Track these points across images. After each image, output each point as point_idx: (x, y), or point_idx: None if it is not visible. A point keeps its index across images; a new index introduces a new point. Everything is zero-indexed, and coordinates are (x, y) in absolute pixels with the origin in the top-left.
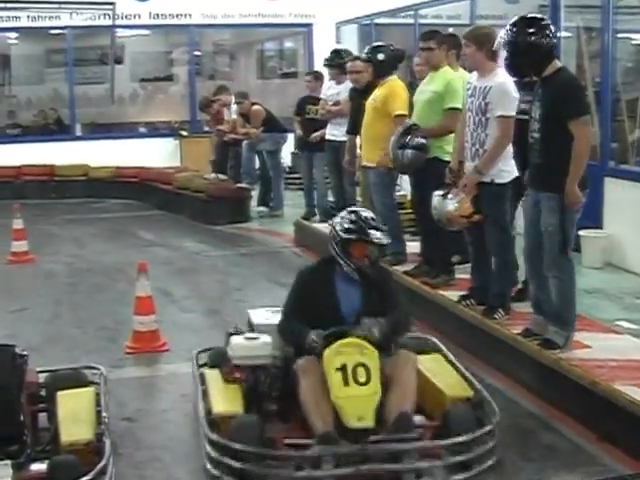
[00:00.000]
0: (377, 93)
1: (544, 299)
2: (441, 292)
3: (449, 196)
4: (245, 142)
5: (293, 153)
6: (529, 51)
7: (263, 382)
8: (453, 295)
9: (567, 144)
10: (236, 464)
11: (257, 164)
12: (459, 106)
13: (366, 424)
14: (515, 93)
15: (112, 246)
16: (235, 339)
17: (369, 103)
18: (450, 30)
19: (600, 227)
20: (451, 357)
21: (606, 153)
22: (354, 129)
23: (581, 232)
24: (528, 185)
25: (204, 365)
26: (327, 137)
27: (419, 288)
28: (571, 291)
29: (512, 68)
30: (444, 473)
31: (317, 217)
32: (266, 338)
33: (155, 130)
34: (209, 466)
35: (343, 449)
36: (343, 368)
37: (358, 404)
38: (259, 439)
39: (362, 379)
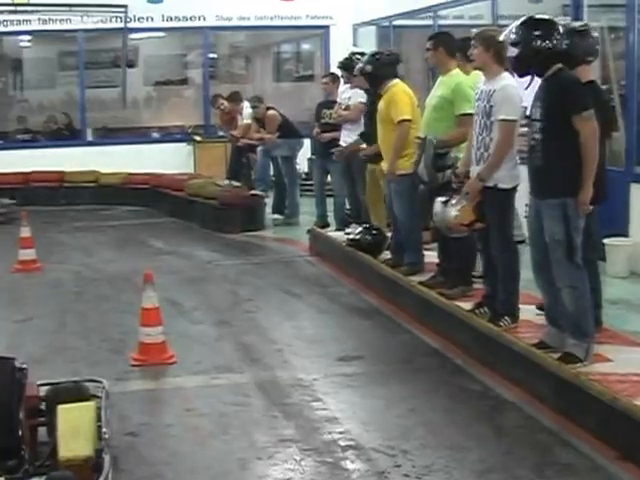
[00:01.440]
0: (381, 104)
1: (558, 311)
2: (456, 303)
3: (451, 202)
4: (260, 148)
5: (310, 159)
6: (534, 52)
7: None
8: (469, 306)
9: (570, 144)
10: None
11: (272, 170)
12: (470, 111)
13: None
14: (519, 98)
15: (121, 254)
16: None
17: (378, 116)
18: (473, 31)
19: (626, 235)
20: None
21: (631, 158)
22: (368, 139)
23: (606, 240)
24: (529, 193)
25: None
26: (339, 143)
27: (434, 298)
28: (586, 300)
29: (516, 66)
30: None
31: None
32: None
33: (168, 135)
34: None
35: None
36: None
37: None
38: None
39: None
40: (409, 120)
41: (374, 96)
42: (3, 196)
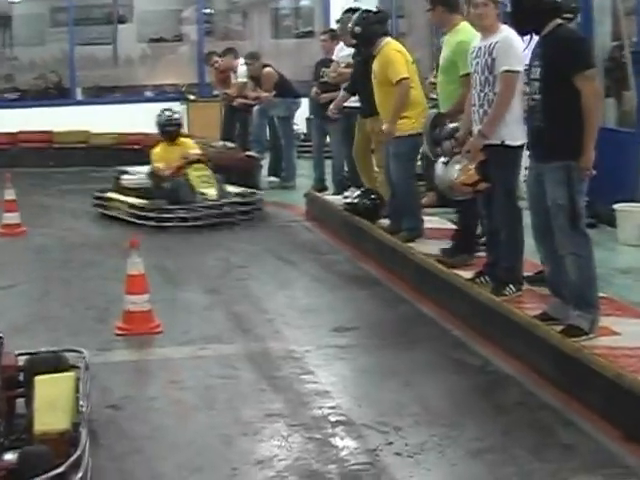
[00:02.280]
0: (375, 66)
1: (561, 280)
2: (456, 271)
3: (454, 164)
4: (256, 108)
5: (308, 120)
6: (532, 6)
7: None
8: (469, 275)
9: (571, 104)
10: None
11: (268, 131)
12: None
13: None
14: (521, 48)
15: (109, 219)
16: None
17: (373, 78)
18: None
19: (637, 200)
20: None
21: None
22: (352, 88)
23: (616, 206)
24: (529, 157)
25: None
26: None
27: (433, 267)
28: (590, 268)
29: (514, 21)
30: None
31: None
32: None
33: (162, 94)
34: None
35: (208, 204)
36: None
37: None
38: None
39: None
40: (407, 78)
41: (365, 55)
42: None
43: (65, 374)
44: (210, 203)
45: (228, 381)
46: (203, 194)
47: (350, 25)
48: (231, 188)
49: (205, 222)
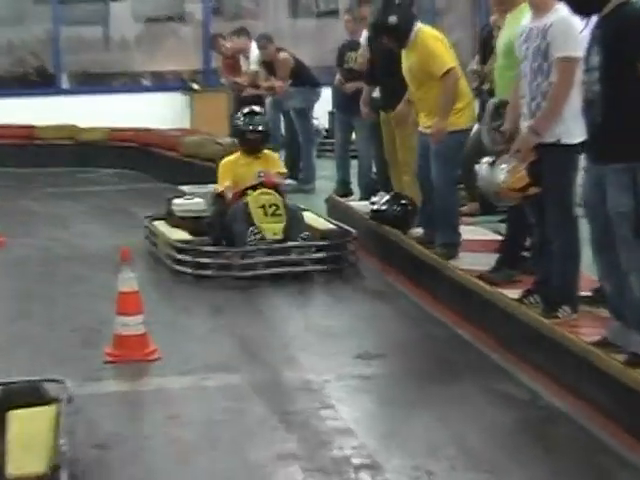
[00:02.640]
0: (410, 60)
1: (624, 300)
2: (500, 289)
3: (501, 165)
4: (268, 99)
5: (331, 113)
6: None
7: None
8: (516, 294)
9: (637, 96)
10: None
11: (283, 127)
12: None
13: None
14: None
15: (101, 227)
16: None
17: (405, 73)
18: None
19: None
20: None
21: None
22: (372, 78)
23: None
24: (587, 157)
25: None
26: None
27: (472, 284)
28: None
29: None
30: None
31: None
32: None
33: (161, 83)
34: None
35: (270, 246)
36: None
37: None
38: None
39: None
40: (454, 67)
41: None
42: None
43: (44, 408)
44: (270, 246)
45: (234, 416)
46: (261, 231)
47: (376, 13)
48: (320, 220)
49: (258, 272)
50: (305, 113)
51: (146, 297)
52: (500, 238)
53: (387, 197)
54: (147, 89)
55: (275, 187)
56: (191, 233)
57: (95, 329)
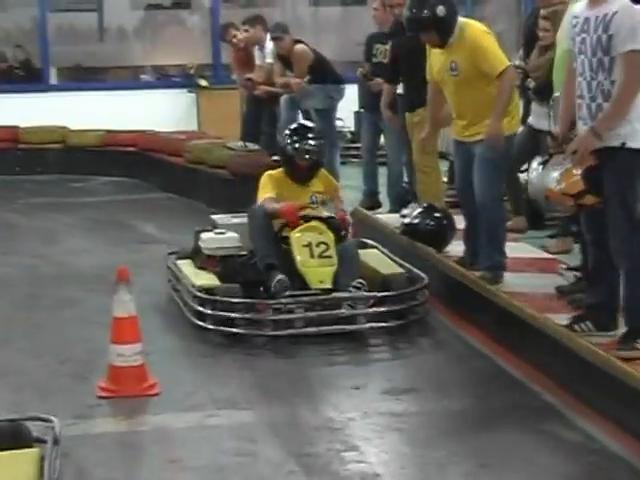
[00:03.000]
0: (449, 61)
1: None
2: (547, 314)
3: (553, 166)
4: (284, 97)
5: (357, 113)
6: None
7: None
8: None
9: None
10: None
11: None
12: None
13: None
14: None
15: (94, 243)
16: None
17: (438, 74)
18: None
19: None
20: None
21: None
22: (394, 77)
23: None
24: None
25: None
26: (398, 91)
27: (517, 309)
28: None
29: None
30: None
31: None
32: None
33: (164, 78)
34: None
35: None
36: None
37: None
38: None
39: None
40: (509, 65)
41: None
42: None
43: (26, 451)
44: (313, 298)
45: (245, 460)
46: (303, 275)
47: (416, 3)
48: (384, 260)
49: (297, 331)
50: (327, 114)
51: (145, 323)
52: (547, 256)
53: (419, 209)
54: (148, 86)
55: (328, 221)
56: (221, 277)
57: (86, 360)
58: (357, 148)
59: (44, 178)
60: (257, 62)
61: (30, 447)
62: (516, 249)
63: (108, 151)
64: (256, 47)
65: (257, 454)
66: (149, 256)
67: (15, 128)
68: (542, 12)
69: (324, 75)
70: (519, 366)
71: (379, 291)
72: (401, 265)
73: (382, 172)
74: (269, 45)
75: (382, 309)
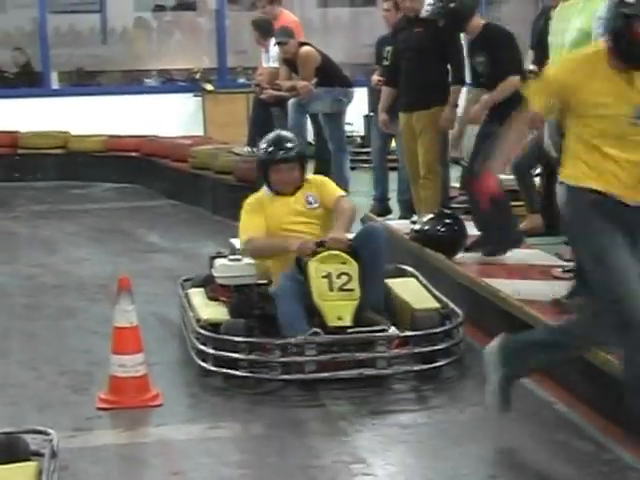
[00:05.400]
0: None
1: None
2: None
3: None
4: (291, 101)
5: (367, 117)
6: None
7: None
8: None
9: None
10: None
11: (310, 134)
12: None
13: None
14: None
15: (96, 252)
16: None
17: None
18: None
19: None
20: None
21: None
22: (395, 79)
23: None
24: None
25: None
26: None
27: (529, 317)
28: None
29: None
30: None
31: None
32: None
33: (168, 82)
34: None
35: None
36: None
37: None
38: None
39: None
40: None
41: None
42: None
43: (23, 464)
44: (327, 339)
45: (249, 472)
46: (321, 314)
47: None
48: (417, 292)
49: (309, 377)
50: (336, 118)
51: (147, 333)
52: (565, 263)
53: (430, 215)
54: (152, 90)
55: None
56: (234, 309)
57: (87, 371)
58: (367, 153)
59: (44, 184)
60: (263, 65)
61: (27, 460)
62: (530, 256)
63: (110, 157)
64: (262, 50)
65: (261, 466)
66: (152, 265)
67: (14, 133)
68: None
69: (332, 78)
70: (530, 374)
71: (409, 329)
72: (438, 298)
73: (392, 178)
74: (273, 49)
75: (405, 351)
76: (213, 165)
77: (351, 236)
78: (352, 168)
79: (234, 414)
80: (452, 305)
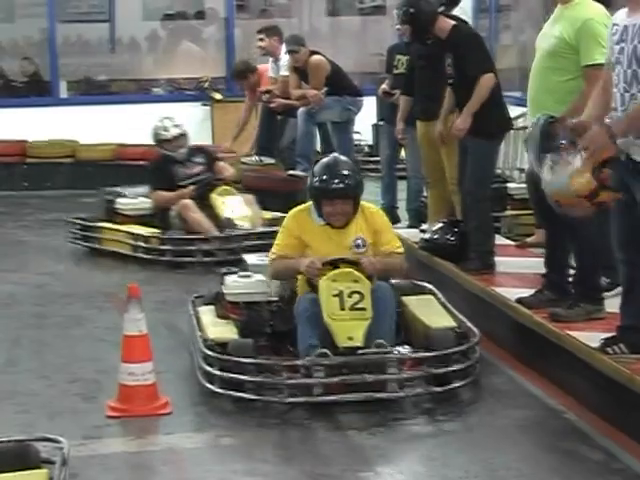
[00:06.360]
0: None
1: None
2: (572, 332)
3: (565, 167)
4: (301, 110)
5: (376, 126)
6: None
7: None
8: (591, 337)
9: None
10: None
11: (319, 142)
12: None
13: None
14: None
15: (105, 259)
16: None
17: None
18: None
19: None
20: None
21: None
22: (411, 87)
23: None
24: None
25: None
26: None
27: (537, 325)
28: None
29: None
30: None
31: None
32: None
33: (177, 91)
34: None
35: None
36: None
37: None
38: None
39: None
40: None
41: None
42: None
43: (34, 472)
44: (336, 360)
45: (257, 479)
46: (332, 333)
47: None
48: (434, 310)
49: (316, 399)
50: (345, 126)
51: (156, 341)
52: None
53: (439, 224)
54: (160, 99)
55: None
56: (245, 328)
57: (96, 379)
58: (375, 162)
59: (53, 193)
60: (271, 74)
61: (38, 468)
62: (539, 265)
63: (119, 165)
64: (270, 59)
65: (269, 474)
66: (160, 274)
67: (23, 142)
68: None
69: (341, 87)
70: (539, 383)
71: (424, 348)
72: (455, 317)
73: (401, 186)
74: (284, 57)
75: (417, 373)
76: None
77: None
78: None
79: (243, 422)
80: (469, 324)
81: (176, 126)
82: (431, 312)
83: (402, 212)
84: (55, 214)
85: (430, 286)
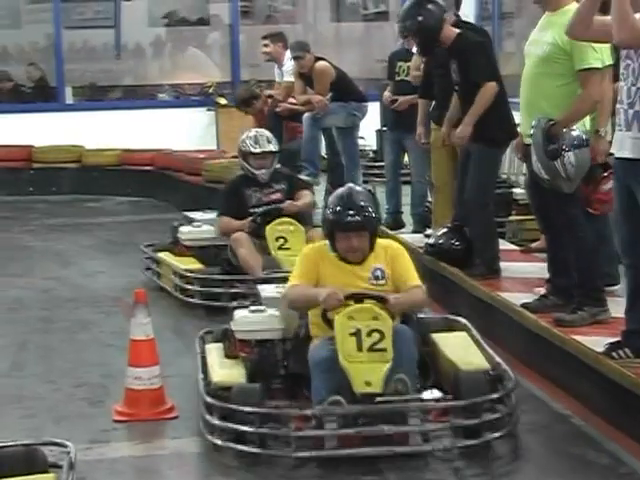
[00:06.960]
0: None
1: None
2: (577, 336)
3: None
4: (306, 115)
5: (379, 132)
6: None
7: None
8: (596, 342)
9: None
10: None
11: (324, 148)
12: (598, 65)
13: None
14: None
15: (110, 264)
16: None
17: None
18: None
19: None
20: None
21: None
22: (428, 92)
23: None
24: None
25: None
26: None
27: (543, 330)
28: None
29: None
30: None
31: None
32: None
33: (182, 97)
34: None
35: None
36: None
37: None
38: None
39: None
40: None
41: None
42: None
43: (42, 476)
44: (351, 410)
45: None
46: (348, 377)
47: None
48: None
49: (328, 453)
50: (349, 132)
51: (162, 346)
52: None
53: (444, 229)
54: (166, 104)
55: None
56: (255, 368)
57: (103, 383)
58: (380, 167)
59: (59, 198)
60: (276, 80)
61: (46, 472)
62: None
63: (124, 170)
64: (275, 65)
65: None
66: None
67: (29, 147)
68: None
69: (346, 93)
70: (545, 387)
71: (452, 392)
72: (489, 357)
73: (405, 191)
74: (288, 62)
75: (442, 424)
76: (226, 179)
77: None
78: (364, 182)
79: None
80: (504, 365)
81: (269, 142)
82: (464, 352)
83: (406, 217)
84: (61, 219)
85: (464, 321)
